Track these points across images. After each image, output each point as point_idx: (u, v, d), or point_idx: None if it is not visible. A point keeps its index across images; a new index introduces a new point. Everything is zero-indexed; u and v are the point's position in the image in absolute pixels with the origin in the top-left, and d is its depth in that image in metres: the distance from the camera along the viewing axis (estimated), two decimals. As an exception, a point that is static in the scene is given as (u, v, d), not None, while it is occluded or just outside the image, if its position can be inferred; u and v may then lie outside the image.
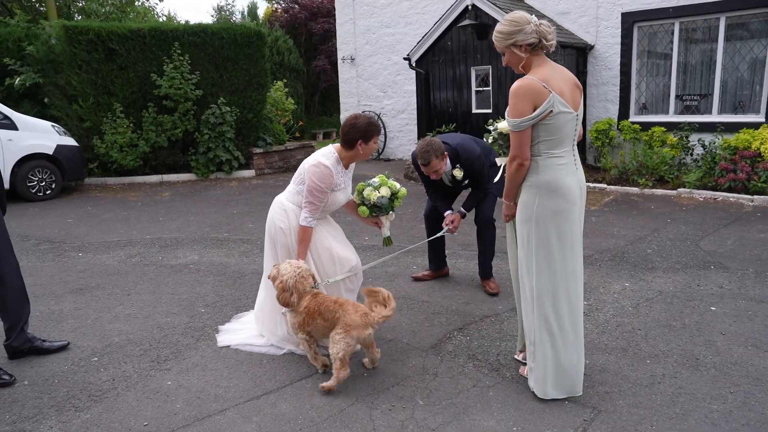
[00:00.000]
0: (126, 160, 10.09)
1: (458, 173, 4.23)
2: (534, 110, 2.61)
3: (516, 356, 3.31)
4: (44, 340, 3.58)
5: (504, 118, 2.89)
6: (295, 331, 3.21)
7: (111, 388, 3.12)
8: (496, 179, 3.31)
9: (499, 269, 4.81)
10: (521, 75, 2.75)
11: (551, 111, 2.62)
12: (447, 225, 4.25)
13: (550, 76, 2.65)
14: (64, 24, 9.88)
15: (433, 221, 4.56)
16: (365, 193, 3.62)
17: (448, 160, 4.18)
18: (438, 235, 4.34)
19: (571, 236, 2.79)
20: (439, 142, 4.08)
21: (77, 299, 4.50)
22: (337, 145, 3.50)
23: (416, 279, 4.75)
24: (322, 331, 3.11)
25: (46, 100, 10.42)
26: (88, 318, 4.11)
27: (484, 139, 3.19)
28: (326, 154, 3.40)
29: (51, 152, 8.90)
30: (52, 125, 9.20)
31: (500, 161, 3.08)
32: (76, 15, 15.60)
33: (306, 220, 3.34)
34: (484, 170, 4.25)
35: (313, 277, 3.26)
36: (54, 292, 4.66)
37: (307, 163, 3.38)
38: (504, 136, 2.94)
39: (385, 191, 3.62)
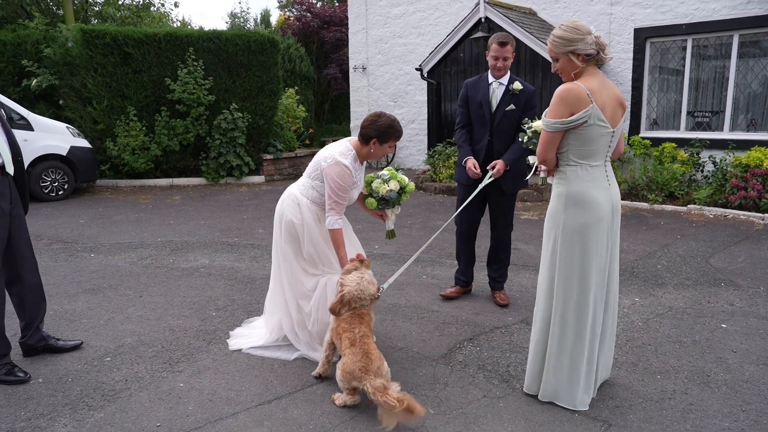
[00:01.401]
0: (138, 162, 10.19)
1: (518, 86, 4.16)
2: (570, 116, 2.66)
3: None
4: (58, 339, 3.62)
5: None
6: (330, 333, 3.17)
7: (124, 388, 3.15)
8: (528, 177, 3.43)
9: (509, 281, 4.81)
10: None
11: (586, 121, 2.67)
12: (490, 170, 4.03)
13: (598, 89, 2.70)
14: (82, 28, 10.03)
15: (466, 238, 4.46)
16: (374, 185, 3.61)
17: (510, 74, 4.22)
18: (484, 183, 3.96)
19: (597, 251, 2.80)
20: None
21: (90, 299, 4.55)
22: (353, 139, 3.49)
23: (446, 297, 4.51)
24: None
25: (61, 101, 10.55)
26: (101, 318, 4.15)
27: (519, 139, 3.27)
28: (344, 152, 3.37)
29: (65, 153, 9.01)
30: (67, 127, 9.32)
31: (532, 159, 3.12)
32: (93, 19, 15.81)
33: (336, 222, 3.31)
34: (535, 110, 4.20)
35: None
36: (67, 292, 4.71)
37: (325, 161, 3.33)
38: (538, 136, 2.98)
39: (394, 185, 3.62)
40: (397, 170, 3.69)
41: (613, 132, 2.80)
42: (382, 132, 3.36)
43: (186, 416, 2.88)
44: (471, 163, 4.17)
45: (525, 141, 3.18)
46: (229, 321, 4.11)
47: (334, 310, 3.05)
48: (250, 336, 3.79)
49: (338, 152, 3.36)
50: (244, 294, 4.68)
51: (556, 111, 2.70)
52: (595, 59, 2.74)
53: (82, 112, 10.23)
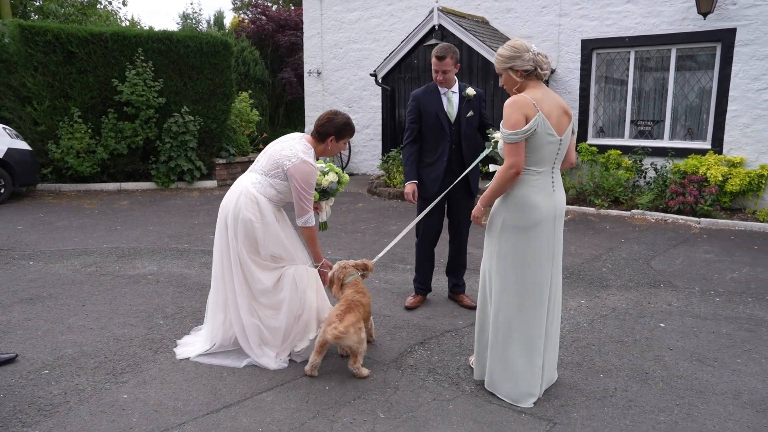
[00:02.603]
0: (83, 166, 9.81)
1: (471, 92, 4.18)
2: (526, 122, 2.82)
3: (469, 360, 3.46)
4: (-8, 352, 3.45)
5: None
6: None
7: (62, 402, 3.03)
8: (477, 161, 3.76)
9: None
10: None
11: (535, 129, 2.83)
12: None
13: (542, 99, 2.88)
14: (20, 23, 9.57)
15: (429, 246, 4.43)
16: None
17: (457, 84, 4.21)
18: (483, 154, 3.76)
19: (535, 252, 2.95)
20: (458, 51, 4.13)
21: (27, 309, 4.35)
22: (307, 136, 3.52)
23: (408, 308, 4.43)
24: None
25: (-3, 101, 10.06)
26: (39, 329, 3.97)
27: (486, 149, 3.46)
28: (306, 151, 3.40)
29: (1, 155, 8.58)
30: (3, 127, 8.88)
31: (495, 168, 3.22)
32: (33, 15, 15.16)
33: (310, 219, 3.41)
34: (485, 113, 4.29)
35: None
36: (1, 302, 4.49)
37: (289, 161, 3.32)
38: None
39: (333, 176, 3.71)
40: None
41: (560, 140, 2.93)
42: (339, 129, 3.46)
43: (129, 428, 2.79)
44: (410, 189, 4.21)
45: (489, 151, 3.29)
46: (177, 329, 4.01)
47: (330, 287, 3.51)
48: (198, 343, 3.71)
49: (301, 151, 3.38)
50: (193, 301, 4.58)
51: (513, 119, 2.84)
52: (535, 74, 2.93)
53: (21, 113, 9.78)
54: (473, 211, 3.20)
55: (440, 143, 4.24)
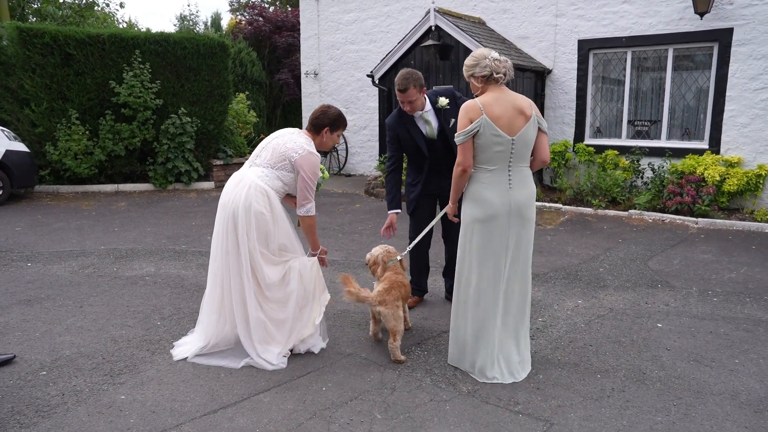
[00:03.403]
0: (80, 168, 9.81)
1: (443, 101, 4.10)
2: (470, 124, 3.11)
3: None
4: (-11, 353, 3.44)
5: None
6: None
7: (60, 403, 3.02)
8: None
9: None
10: None
11: (478, 130, 3.11)
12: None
13: (492, 102, 3.13)
14: (18, 26, 9.58)
15: (419, 213, 4.34)
16: None
17: (427, 101, 4.11)
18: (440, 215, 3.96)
19: (491, 243, 3.23)
20: (417, 71, 4.00)
21: (25, 311, 4.34)
22: (304, 131, 3.65)
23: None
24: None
25: (-6, 103, 10.05)
26: (37, 330, 3.97)
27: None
28: (309, 142, 3.55)
29: (-1, 157, 8.58)
30: (1, 129, 8.88)
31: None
32: (31, 17, 15.15)
33: (311, 210, 3.53)
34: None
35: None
36: None
37: (296, 153, 3.43)
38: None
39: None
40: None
41: (513, 140, 3.12)
42: (333, 120, 3.62)
43: (127, 429, 2.79)
44: (389, 223, 4.22)
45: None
46: (174, 330, 4.00)
47: (372, 269, 3.86)
48: (191, 343, 3.70)
49: (305, 143, 3.52)
50: (190, 302, 4.57)
51: (461, 123, 3.17)
52: (493, 79, 3.18)
53: (19, 114, 9.77)
54: (445, 208, 3.50)
55: (422, 165, 4.25)
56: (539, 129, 3.23)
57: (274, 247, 3.48)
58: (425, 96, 4.14)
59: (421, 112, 4.13)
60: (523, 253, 3.29)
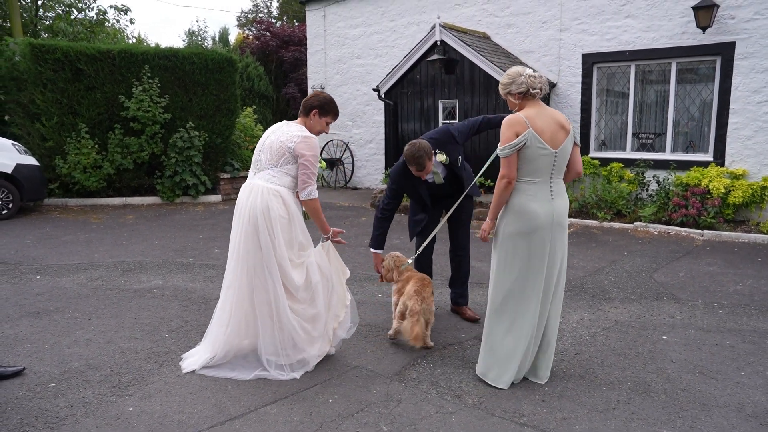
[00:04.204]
0: (89, 181, 9.92)
1: (442, 158, 4.12)
2: (516, 138, 3.16)
3: None
4: (-1, 365, 3.49)
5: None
6: (395, 294, 4.03)
7: (69, 414, 3.06)
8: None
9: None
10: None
11: (525, 143, 3.16)
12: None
13: (535, 116, 3.20)
14: (31, 42, 9.76)
15: (427, 257, 4.48)
16: None
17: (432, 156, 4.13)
18: (485, 165, 3.98)
19: (532, 255, 3.25)
20: (426, 142, 3.98)
21: (34, 323, 4.39)
22: (296, 121, 3.66)
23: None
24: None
25: (6, 117, 10.20)
26: (46, 342, 4.01)
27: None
28: (301, 128, 3.56)
29: (10, 171, 8.69)
30: (13, 143, 9.00)
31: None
32: (43, 33, 15.41)
33: (315, 191, 3.51)
34: (456, 139, 4.20)
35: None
36: (9, 316, 4.53)
37: (291, 141, 3.45)
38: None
39: None
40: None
41: (555, 153, 3.20)
42: (324, 103, 3.61)
43: (135, 441, 2.81)
44: (378, 260, 4.22)
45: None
46: (182, 342, 4.04)
47: (389, 278, 4.10)
48: (198, 354, 3.72)
49: (297, 130, 3.54)
50: (198, 315, 4.61)
51: (505, 136, 3.20)
52: (530, 94, 3.25)
53: (29, 129, 9.92)
54: (483, 226, 3.43)
55: (424, 210, 4.34)
56: (574, 142, 3.36)
57: (296, 248, 3.52)
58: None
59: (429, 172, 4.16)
60: (561, 262, 3.37)
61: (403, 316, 3.80)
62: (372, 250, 4.27)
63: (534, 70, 3.33)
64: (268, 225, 3.40)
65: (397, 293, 4.03)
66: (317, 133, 3.66)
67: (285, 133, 3.51)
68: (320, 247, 3.67)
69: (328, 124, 3.69)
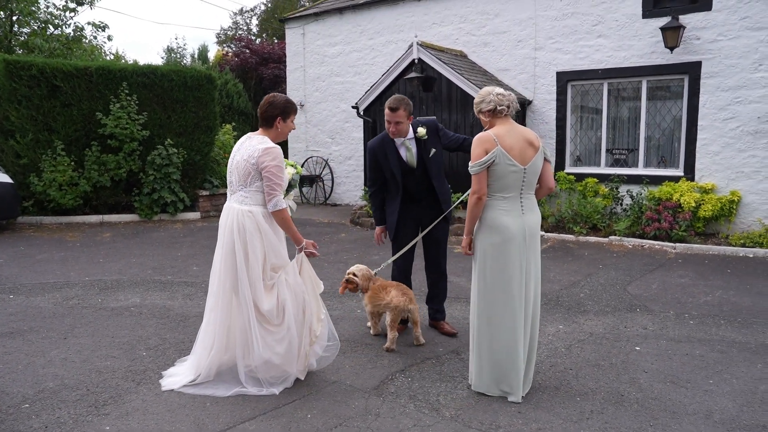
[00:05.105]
0: (65, 199, 9.80)
1: (422, 131, 4.28)
2: (485, 155, 3.30)
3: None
4: (-29, 386, 3.42)
5: None
6: (366, 305, 4.30)
7: (44, 434, 3.02)
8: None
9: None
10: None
11: (494, 161, 3.30)
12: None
13: (504, 134, 3.34)
14: (5, 58, 9.68)
15: (402, 238, 4.49)
16: None
17: (411, 130, 4.32)
18: (463, 197, 4.32)
19: (507, 266, 3.36)
20: (409, 101, 4.25)
21: (7, 343, 4.32)
22: (258, 132, 3.59)
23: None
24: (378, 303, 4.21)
25: (-21, 135, 10.06)
26: (20, 363, 3.95)
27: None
28: (262, 140, 3.48)
29: (-18, 189, 8.56)
30: (-14, 161, 8.89)
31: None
32: (18, 49, 15.23)
33: (281, 202, 3.43)
34: (445, 129, 4.46)
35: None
36: (-18, 336, 4.46)
37: (252, 158, 3.39)
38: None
39: (291, 170, 3.83)
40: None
41: (524, 169, 3.33)
42: (283, 108, 3.53)
43: (111, 460, 2.79)
44: (379, 231, 4.54)
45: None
46: (160, 360, 4.02)
47: (365, 288, 4.27)
48: (182, 374, 3.72)
49: (257, 142, 3.47)
50: (176, 332, 4.59)
51: (475, 153, 3.35)
52: (498, 112, 3.41)
53: (3, 146, 9.79)
54: (462, 243, 3.55)
55: (398, 192, 4.40)
56: (545, 158, 3.48)
57: (268, 269, 3.48)
58: (410, 125, 4.32)
59: (403, 139, 4.32)
60: (535, 273, 3.46)
61: (395, 323, 4.16)
62: (376, 227, 4.65)
63: (505, 89, 3.48)
64: (243, 246, 3.42)
65: (369, 300, 4.27)
66: (286, 137, 3.66)
67: (247, 151, 3.47)
68: (293, 261, 3.60)
69: (293, 122, 3.64)
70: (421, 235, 4.42)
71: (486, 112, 3.44)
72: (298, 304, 3.56)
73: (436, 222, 4.29)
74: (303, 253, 3.62)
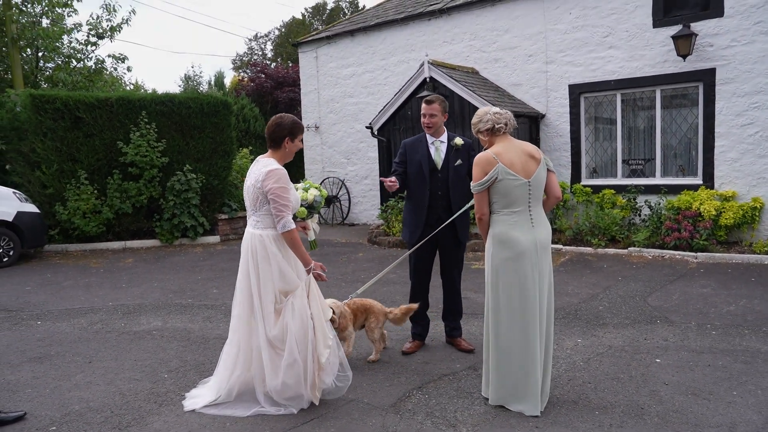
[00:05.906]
0: (89, 226, 10.04)
1: (459, 141, 4.44)
2: (485, 176, 3.36)
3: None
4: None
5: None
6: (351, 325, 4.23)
7: (69, 457, 3.09)
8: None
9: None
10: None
11: (496, 177, 3.36)
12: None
13: (503, 151, 3.42)
14: (31, 93, 10.05)
15: (422, 273, 4.54)
16: (299, 195, 3.80)
17: (446, 134, 4.46)
18: (468, 205, 4.24)
19: (520, 280, 3.38)
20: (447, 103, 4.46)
21: (35, 368, 4.44)
22: (266, 154, 3.66)
23: (406, 353, 4.50)
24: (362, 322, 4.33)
25: (8, 166, 10.41)
26: (47, 387, 4.06)
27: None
28: (267, 163, 3.53)
29: (11, 219, 8.83)
30: (13, 192, 9.17)
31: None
32: (43, 83, 15.76)
33: (290, 223, 3.44)
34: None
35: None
36: (10, 362, 4.58)
37: (258, 182, 3.45)
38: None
39: (315, 191, 3.90)
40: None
41: (529, 182, 3.39)
42: (290, 128, 3.60)
43: (134, 482, 2.84)
44: (389, 180, 4.31)
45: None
46: (181, 382, 4.08)
47: (354, 320, 4.29)
48: (204, 396, 3.78)
49: (262, 165, 3.54)
50: (197, 354, 4.66)
51: (475, 174, 3.45)
52: (496, 130, 3.51)
53: (30, 177, 10.10)
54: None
55: (422, 190, 4.44)
56: (548, 169, 3.52)
57: (278, 292, 3.50)
58: (445, 129, 4.50)
59: (434, 139, 4.46)
60: (548, 286, 3.49)
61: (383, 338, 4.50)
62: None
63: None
64: (255, 270, 3.50)
65: (352, 322, 4.28)
66: (293, 156, 3.72)
67: (253, 176, 3.54)
68: (302, 285, 3.56)
69: (300, 142, 3.69)
70: (421, 243, 4.36)
71: (485, 131, 3.54)
72: (303, 328, 3.49)
73: (441, 226, 4.28)
74: (311, 275, 3.60)
